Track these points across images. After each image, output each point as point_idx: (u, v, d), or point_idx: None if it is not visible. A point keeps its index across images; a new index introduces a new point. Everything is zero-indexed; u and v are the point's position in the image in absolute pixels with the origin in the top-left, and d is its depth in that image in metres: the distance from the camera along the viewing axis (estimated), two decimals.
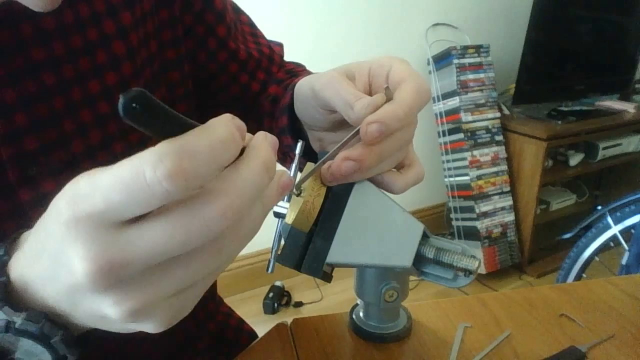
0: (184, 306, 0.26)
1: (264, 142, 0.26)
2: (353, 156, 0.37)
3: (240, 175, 0.24)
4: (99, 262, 0.22)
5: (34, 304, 0.27)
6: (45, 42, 0.39)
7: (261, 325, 0.66)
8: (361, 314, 0.54)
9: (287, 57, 0.65)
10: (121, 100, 0.19)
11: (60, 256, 0.23)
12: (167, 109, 0.21)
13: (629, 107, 2.35)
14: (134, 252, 0.22)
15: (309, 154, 0.49)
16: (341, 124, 0.44)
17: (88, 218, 0.21)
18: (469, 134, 2.05)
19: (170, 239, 0.22)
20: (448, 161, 2.14)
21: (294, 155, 0.39)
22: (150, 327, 0.25)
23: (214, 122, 0.22)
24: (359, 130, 0.37)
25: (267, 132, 0.27)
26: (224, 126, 0.22)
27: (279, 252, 0.39)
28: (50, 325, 0.27)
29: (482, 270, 2.11)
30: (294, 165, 0.39)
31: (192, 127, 0.22)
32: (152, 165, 0.20)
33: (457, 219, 2.19)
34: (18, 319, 0.27)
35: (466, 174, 2.08)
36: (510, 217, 2.15)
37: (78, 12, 0.41)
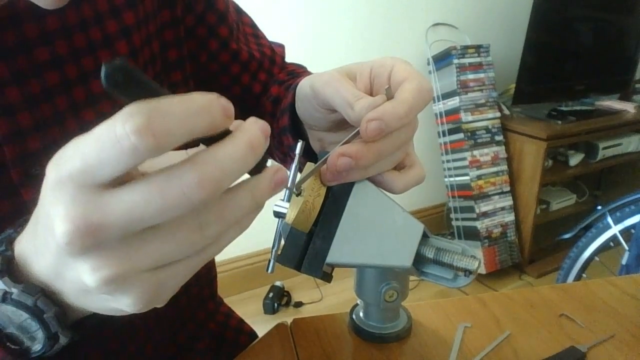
0: (163, 286, 0.26)
1: (253, 124, 0.26)
2: (349, 152, 0.37)
3: (223, 149, 0.24)
4: (76, 222, 0.22)
5: (32, 280, 0.28)
6: (48, 42, 0.39)
7: (261, 325, 0.66)
8: (361, 314, 0.54)
9: (288, 58, 0.65)
10: (104, 70, 0.19)
11: (47, 221, 0.24)
12: (149, 80, 0.21)
13: (629, 107, 2.35)
14: (112, 215, 0.22)
15: (310, 155, 0.49)
16: (341, 124, 0.44)
17: (69, 178, 0.22)
18: (469, 134, 2.06)
19: (147, 204, 0.22)
20: (448, 161, 2.14)
21: (294, 155, 0.39)
22: (127, 302, 0.25)
23: (194, 92, 0.23)
24: (359, 131, 0.37)
25: (258, 118, 0.27)
26: (202, 96, 0.23)
27: (279, 252, 0.39)
28: (45, 300, 0.28)
29: (482, 270, 2.11)
30: (294, 165, 0.39)
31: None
32: (122, 121, 0.20)
33: (457, 219, 2.19)
34: (15, 290, 0.28)
35: (466, 174, 2.08)
36: (510, 217, 2.15)
37: (81, 12, 0.41)
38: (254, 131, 0.25)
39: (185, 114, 0.21)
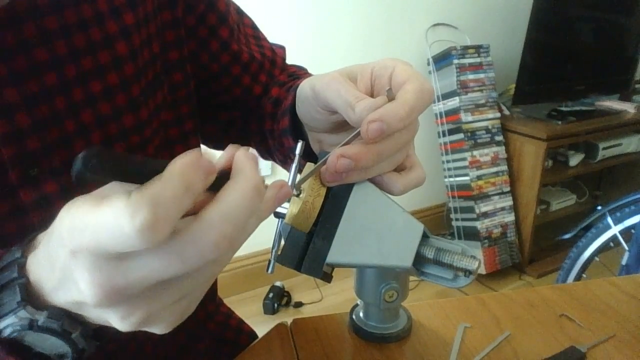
0: (187, 308, 0.27)
1: (248, 163, 0.26)
2: (349, 154, 0.37)
3: (232, 203, 0.24)
4: (103, 287, 0.23)
5: (50, 304, 0.29)
6: (47, 42, 0.39)
7: (261, 325, 0.66)
8: (361, 314, 0.54)
9: (289, 59, 0.65)
10: (79, 160, 0.20)
11: (68, 276, 0.25)
12: (122, 162, 0.22)
13: (629, 107, 2.35)
14: (135, 277, 0.23)
15: (310, 157, 0.49)
16: (341, 125, 0.44)
17: (87, 250, 0.23)
18: (469, 134, 2.05)
19: (167, 268, 0.23)
20: (448, 161, 2.14)
21: (294, 156, 0.39)
22: (156, 330, 0.27)
23: (171, 165, 0.23)
24: (359, 132, 0.37)
25: (245, 148, 0.28)
26: (186, 168, 0.23)
27: (279, 253, 0.39)
28: (70, 321, 0.29)
29: (482, 270, 2.11)
30: (293, 166, 0.39)
31: (151, 169, 0.23)
32: (130, 218, 0.21)
33: (457, 219, 2.19)
34: (40, 317, 0.28)
35: (466, 174, 2.08)
36: (510, 218, 2.15)
37: (81, 12, 0.41)
38: (253, 172, 0.26)
39: (181, 192, 0.22)
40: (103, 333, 0.31)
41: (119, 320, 0.25)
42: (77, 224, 0.23)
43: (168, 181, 0.22)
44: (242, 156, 0.27)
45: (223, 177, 0.25)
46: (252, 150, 0.29)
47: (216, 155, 0.28)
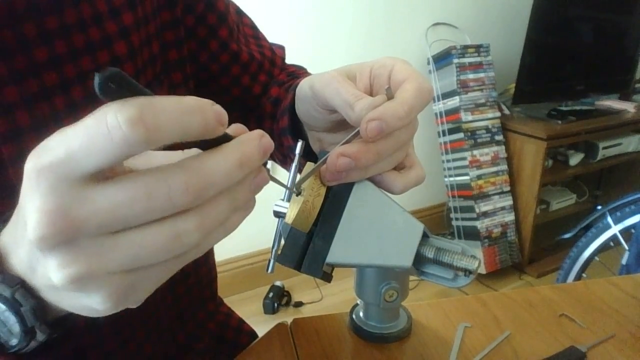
0: (134, 288, 0.25)
1: (252, 140, 0.25)
2: (348, 152, 0.37)
3: (213, 161, 0.24)
4: (52, 216, 0.21)
5: (11, 269, 0.28)
6: (47, 42, 0.39)
7: (261, 325, 0.66)
8: (361, 314, 0.54)
9: (288, 58, 0.65)
10: (97, 80, 0.20)
11: (22, 212, 0.23)
12: (141, 87, 0.21)
13: (629, 107, 2.35)
14: (93, 211, 0.21)
15: (310, 156, 0.49)
16: (341, 125, 0.44)
17: (49, 168, 0.21)
18: (469, 134, 2.06)
19: (132, 203, 0.22)
20: (448, 161, 2.14)
21: (294, 155, 0.39)
22: (96, 302, 0.25)
23: (187, 96, 0.23)
24: (359, 131, 0.37)
25: (265, 133, 0.27)
26: (194, 99, 0.23)
27: (279, 252, 0.39)
28: (23, 292, 0.27)
29: (482, 270, 2.11)
30: (293, 165, 0.39)
31: None
32: (115, 111, 0.20)
33: (457, 219, 2.19)
34: None
35: (466, 174, 2.08)
36: (510, 217, 2.15)
37: (81, 12, 0.41)
38: (248, 148, 0.25)
39: (178, 112, 0.21)
40: (62, 324, 0.30)
41: (55, 269, 0.23)
42: (51, 142, 0.22)
43: (171, 98, 0.21)
44: (253, 133, 0.26)
45: (223, 140, 0.25)
46: (267, 140, 0.27)
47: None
